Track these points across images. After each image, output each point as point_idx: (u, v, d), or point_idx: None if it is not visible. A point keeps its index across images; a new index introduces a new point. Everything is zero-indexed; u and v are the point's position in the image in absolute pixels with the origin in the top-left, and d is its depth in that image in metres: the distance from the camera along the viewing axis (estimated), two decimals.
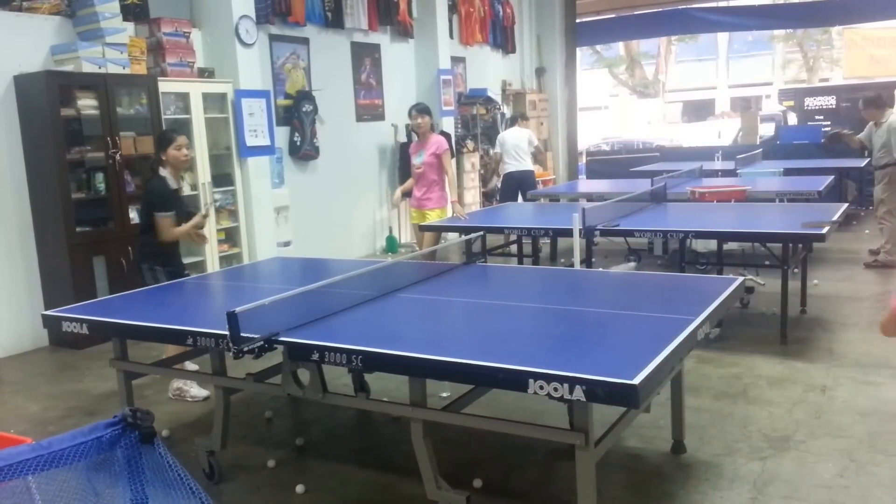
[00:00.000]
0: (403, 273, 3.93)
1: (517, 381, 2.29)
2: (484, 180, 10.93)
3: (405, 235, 9.72)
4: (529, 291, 3.73)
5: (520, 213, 7.25)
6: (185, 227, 4.58)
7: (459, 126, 10.65)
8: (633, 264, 5.09)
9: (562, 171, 13.29)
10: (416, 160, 6.44)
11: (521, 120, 9.53)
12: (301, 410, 4.22)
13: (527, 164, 8.99)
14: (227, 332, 2.73)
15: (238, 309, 2.73)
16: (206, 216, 4.53)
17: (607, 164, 12.44)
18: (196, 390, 4.46)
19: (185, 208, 4.74)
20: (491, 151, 10.48)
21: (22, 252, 5.78)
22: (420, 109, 6.39)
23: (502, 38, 12.11)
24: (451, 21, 10.58)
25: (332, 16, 8.51)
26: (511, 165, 8.94)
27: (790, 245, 5.13)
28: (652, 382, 2.25)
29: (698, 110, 31.13)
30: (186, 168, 4.53)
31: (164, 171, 4.54)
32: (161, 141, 4.65)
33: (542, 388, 2.23)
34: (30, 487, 1.54)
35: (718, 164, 9.76)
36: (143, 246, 4.59)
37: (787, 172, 8.47)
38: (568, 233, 5.19)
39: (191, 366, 4.49)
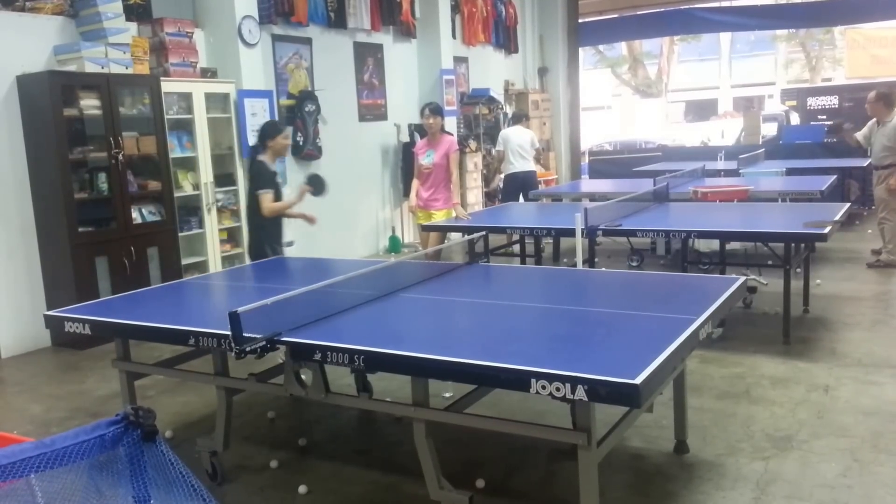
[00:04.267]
0: (406, 273, 3.93)
1: (519, 381, 2.29)
2: (486, 180, 10.93)
3: (408, 235, 9.72)
4: (532, 291, 3.73)
5: (522, 213, 7.25)
6: (283, 203, 5.03)
7: (462, 126, 10.65)
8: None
9: (564, 171, 13.29)
10: (424, 160, 6.42)
11: (525, 120, 9.52)
12: (303, 411, 4.22)
13: (530, 165, 8.97)
14: (229, 333, 2.73)
15: (240, 309, 2.73)
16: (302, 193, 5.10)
17: (610, 163, 12.43)
18: None
19: (279, 184, 5.16)
20: (493, 150, 10.47)
21: (24, 252, 5.79)
22: (433, 109, 6.39)
23: (505, 39, 12.11)
24: (453, 21, 10.58)
25: (334, 16, 8.52)
26: (514, 165, 8.91)
27: (792, 245, 5.13)
28: (653, 382, 2.25)
29: (701, 110, 31.10)
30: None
31: (262, 156, 5.01)
32: (270, 130, 5.11)
33: (544, 387, 2.23)
34: (32, 486, 1.54)
35: (721, 164, 9.75)
36: (255, 226, 5.13)
37: (790, 172, 8.46)
38: (570, 233, 5.19)
39: None
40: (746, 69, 31.78)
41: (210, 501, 1.55)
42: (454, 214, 6.44)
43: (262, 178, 5.01)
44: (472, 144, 10.53)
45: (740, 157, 9.23)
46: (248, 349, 2.72)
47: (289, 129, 5.17)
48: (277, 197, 5.06)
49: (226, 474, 3.42)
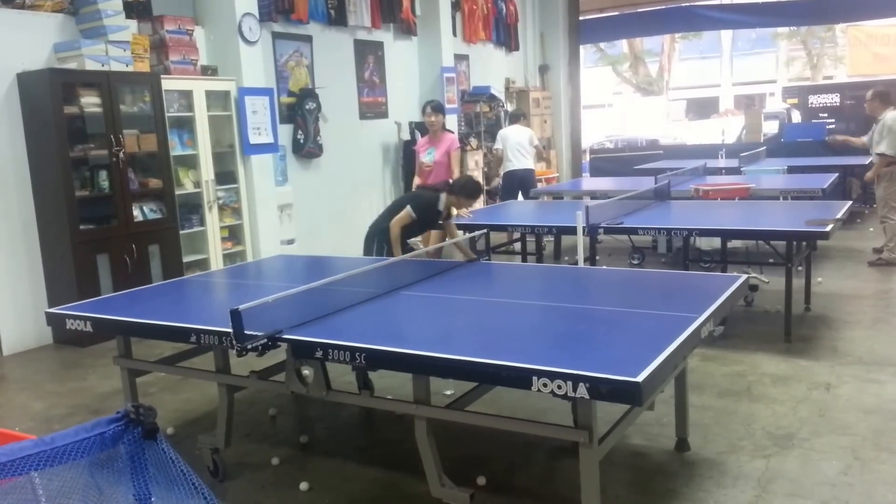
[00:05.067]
0: (407, 271, 3.92)
1: (521, 379, 2.29)
2: (487, 178, 10.92)
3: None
4: (533, 289, 3.73)
5: (523, 211, 7.25)
6: (397, 242, 5.02)
7: (463, 124, 10.63)
8: None
9: (565, 169, 13.27)
10: (425, 158, 6.43)
11: (523, 118, 9.47)
12: (305, 408, 4.22)
13: (528, 163, 8.96)
14: (230, 330, 2.73)
15: (242, 306, 2.73)
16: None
17: (611, 161, 12.41)
18: None
19: (431, 225, 5.30)
20: (493, 148, 10.46)
21: (26, 250, 5.79)
22: (434, 107, 6.39)
23: (506, 36, 12.09)
24: (454, 19, 10.56)
25: (335, 13, 8.51)
26: (512, 163, 8.92)
27: (794, 243, 5.12)
28: (655, 380, 2.25)
29: (702, 108, 31.05)
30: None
31: (443, 197, 5.09)
32: (473, 190, 5.16)
33: (545, 385, 2.23)
34: (34, 483, 1.54)
35: (722, 162, 9.74)
36: (383, 227, 5.14)
37: (791, 170, 8.46)
38: (572, 231, 5.19)
39: None
40: (747, 67, 31.73)
41: (211, 499, 1.55)
42: (455, 212, 6.44)
43: (422, 205, 5.07)
44: (473, 142, 10.52)
45: (741, 155, 9.22)
46: (249, 346, 2.72)
47: (473, 203, 5.25)
48: (413, 229, 5.14)
49: (227, 471, 3.42)
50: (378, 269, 3.77)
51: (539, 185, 9.48)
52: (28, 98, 5.66)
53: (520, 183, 8.86)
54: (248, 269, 5.00)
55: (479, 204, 10.10)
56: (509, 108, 11.77)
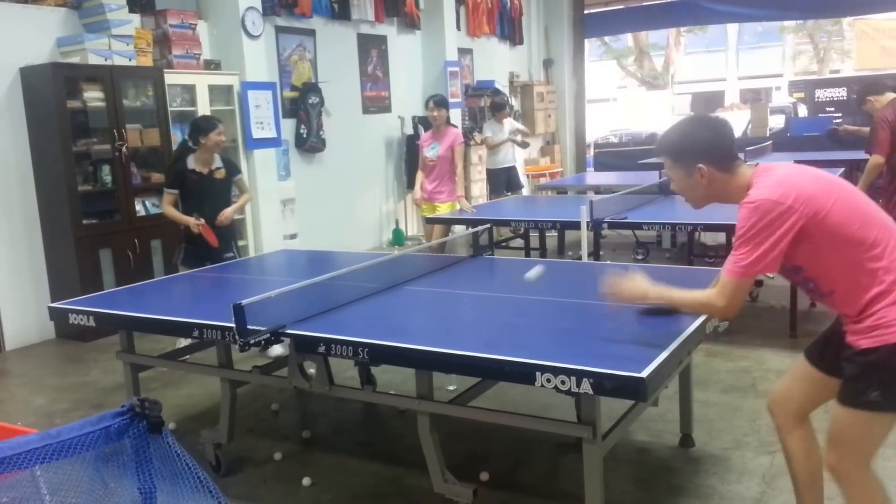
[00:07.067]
0: (410, 266, 3.91)
1: (524, 374, 2.28)
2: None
3: (412, 228, 9.70)
4: (536, 285, 3.70)
5: (527, 206, 7.22)
6: (178, 215, 4.87)
7: (467, 118, 10.60)
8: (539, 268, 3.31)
9: (569, 164, 13.23)
10: (429, 152, 6.41)
11: (497, 112, 8.88)
12: (307, 403, 4.22)
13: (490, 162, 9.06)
14: (233, 325, 2.72)
15: (244, 301, 2.72)
16: (198, 225, 4.82)
17: (615, 156, 12.37)
18: None
19: (217, 191, 4.94)
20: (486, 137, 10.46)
21: (28, 244, 5.79)
22: (438, 101, 6.36)
23: (510, 30, 12.05)
24: (458, 12, 10.52)
25: (338, 7, 8.49)
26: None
27: None
28: (660, 376, 2.23)
29: (707, 102, 30.91)
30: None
31: (191, 156, 4.83)
32: (202, 127, 4.79)
33: (549, 381, 2.22)
34: (36, 478, 1.53)
35: None
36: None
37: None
38: (575, 225, 5.17)
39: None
40: (754, 61, 31.58)
41: (216, 493, 1.55)
42: (458, 207, 6.43)
43: (170, 177, 4.94)
44: (477, 137, 10.48)
45: (747, 149, 9.17)
46: (252, 341, 2.71)
47: (222, 126, 4.87)
48: (194, 200, 4.87)
49: (230, 466, 3.42)
50: (380, 264, 3.76)
51: (543, 180, 9.46)
52: (31, 92, 5.65)
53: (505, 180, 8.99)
54: (251, 264, 5.00)
55: (483, 198, 10.10)
56: (514, 102, 11.71)
